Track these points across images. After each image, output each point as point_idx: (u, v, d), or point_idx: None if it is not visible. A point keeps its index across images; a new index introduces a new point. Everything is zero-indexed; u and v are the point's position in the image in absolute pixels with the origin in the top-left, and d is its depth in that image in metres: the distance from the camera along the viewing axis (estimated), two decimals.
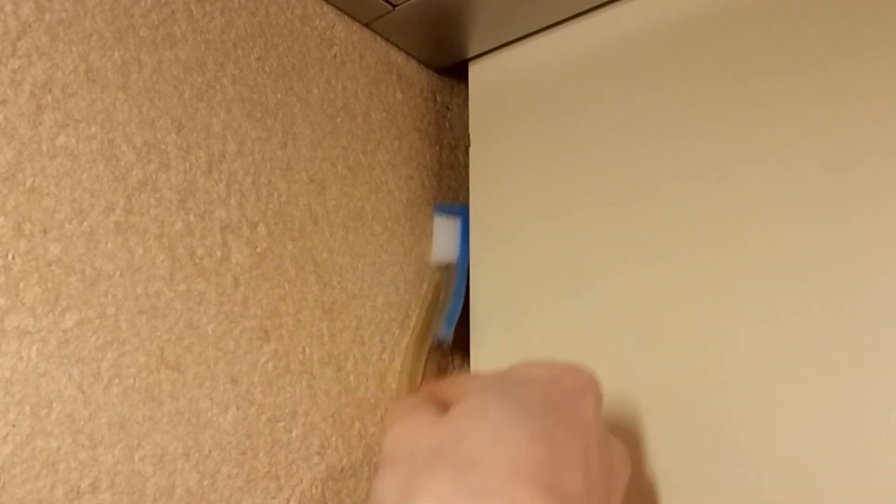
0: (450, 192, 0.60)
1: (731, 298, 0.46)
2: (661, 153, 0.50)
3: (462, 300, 0.52)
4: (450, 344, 0.53)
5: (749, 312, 0.46)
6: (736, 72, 0.48)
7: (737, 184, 0.46)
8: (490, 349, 0.54)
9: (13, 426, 0.34)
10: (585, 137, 0.52)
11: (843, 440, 0.41)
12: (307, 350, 0.47)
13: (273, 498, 0.44)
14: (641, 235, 0.50)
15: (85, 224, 0.38)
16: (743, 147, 0.47)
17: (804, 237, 0.45)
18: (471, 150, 0.56)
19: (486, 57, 0.57)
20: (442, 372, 0.56)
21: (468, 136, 0.56)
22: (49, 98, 0.37)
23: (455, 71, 0.59)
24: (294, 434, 0.46)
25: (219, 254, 0.44)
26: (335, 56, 0.52)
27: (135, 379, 0.39)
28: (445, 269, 0.54)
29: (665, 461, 0.47)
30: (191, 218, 0.42)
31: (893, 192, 0.43)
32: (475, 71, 0.57)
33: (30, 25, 0.37)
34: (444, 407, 0.43)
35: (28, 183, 0.36)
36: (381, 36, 0.55)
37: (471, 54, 0.57)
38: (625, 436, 0.48)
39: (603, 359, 0.47)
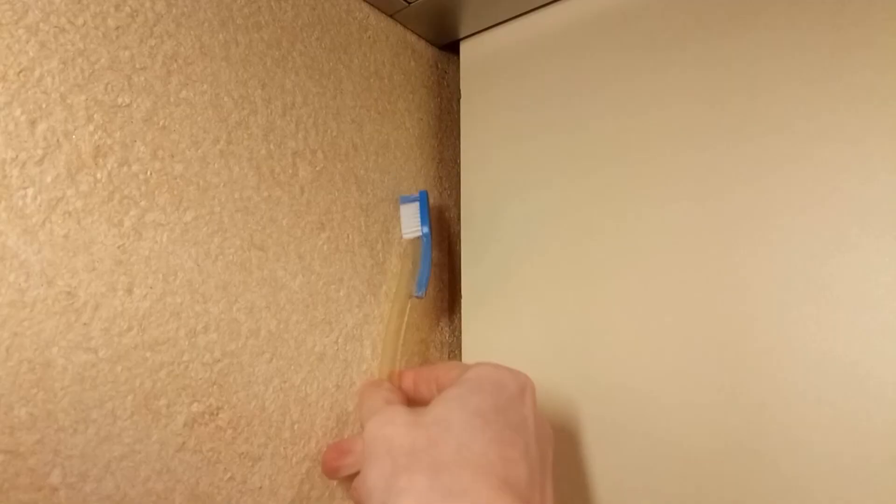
0: (444, 128, 0.59)
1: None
2: (617, 116, 0.45)
3: (430, 264, 0.49)
4: (422, 298, 0.50)
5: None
6: (712, 47, 0.41)
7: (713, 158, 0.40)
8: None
9: (151, 287, 0.35)
10: (549, 100, 0.49)
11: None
12: (350, 236, 0.48)
13: (327, 336, 0.45)
14: (613, 193, 0.44)
15: (199, 151, 0.39)
16: (725, 122, 0.40)
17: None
18: (461, 103, 0.55)
19: (472, 37, 0.56)
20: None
21: (459, 92, 0.56)
22: (175, 66, 0.38)
23: (450, 47, 0.59)
24: (341, 293, 0.46)
25: (290, 171, 0.44)
26: (369, 37, 0.52)
27: (233, 256, 0.40)
28: (412, 242, 0.51)
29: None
30: (271, 147, 0.43)
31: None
32: (465, 47, 0.56)
33: (161, 16, 0.38)
34: (411, 401, 0.42)
35: (161, 123, 0.37)
36: (400, 23, 0.55)
37: (462, 35, 0.56)
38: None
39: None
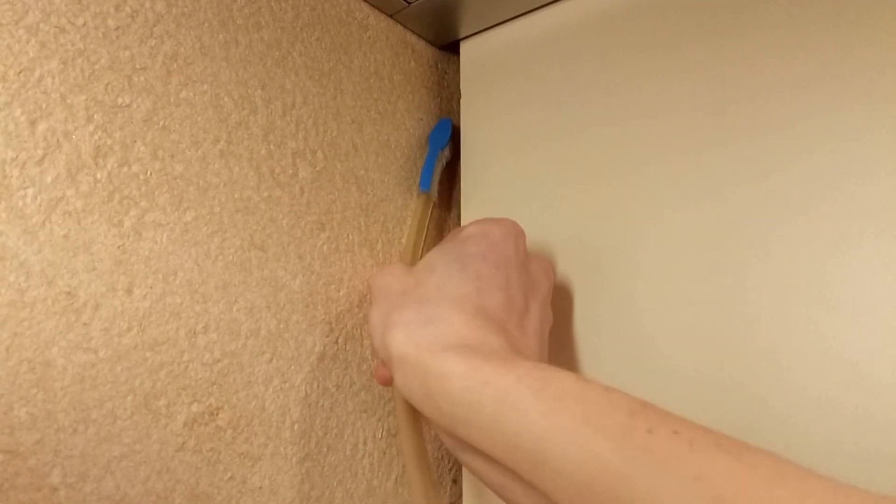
0: None
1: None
2: (617, 116, 0.45)
3: (434, 160, 0.53)
4: (435, 198, 0.52)
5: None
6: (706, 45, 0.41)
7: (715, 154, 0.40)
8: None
9: (150, 287, 0.35)
10: (550, 100, 0.49)
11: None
12: (350, 236, 0.48)
13: (327, 336, 0.45)
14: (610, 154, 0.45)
15: (199, 151, 0.39)
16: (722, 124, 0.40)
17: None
18: (462, 103, 0.55)
19: (472, 37, 0.56)
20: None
21: (459, 91, 0.56)
22: (175, 66, 0.38)
23: (450, 47, 0.59)
24: (342, 293, 0.46)
25: (290, 171, 0.44)
26: (369, 37, 0.52)
27: (233, 256, 0.40)
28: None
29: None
30: (271, 147, 0.43)
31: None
32: (465, 47, 0.56)
33: (162, 16, 0.38)
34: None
35: (161, 123, 0.37)
36: (400, 23, 0.55)
37: (461, 36, 0.56)
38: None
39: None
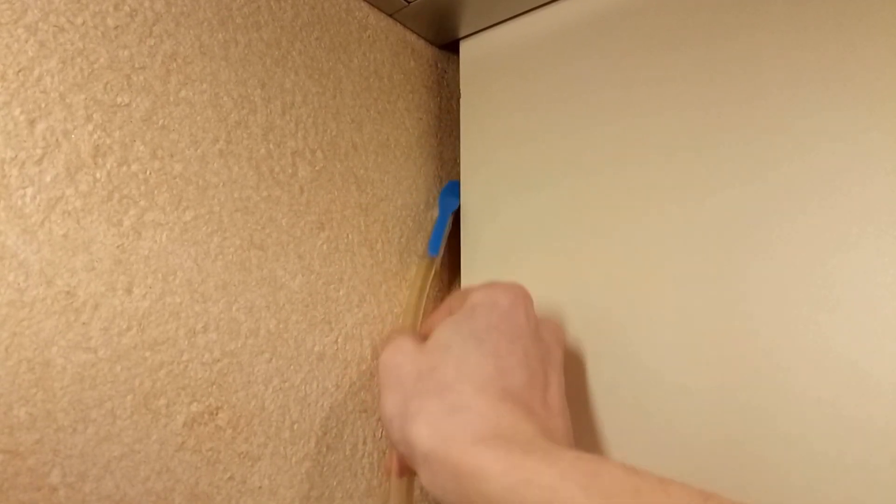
0: (444, 127, 0.59)
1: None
2: (617, 116, 0.45)
3: (444, 225, 0.52)
4: (440, 261, 0.52)
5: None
6: (707, 45, 0.41)
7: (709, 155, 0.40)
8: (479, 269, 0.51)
9: (150, 287, 0.35)
10: (549, 100, 0.49)
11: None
12: (350, 236, 0.48)
13: (327, 336, 0.45)
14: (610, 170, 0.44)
15: (198, 150, 0.39)
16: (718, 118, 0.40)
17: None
18: (461, 102, 0.55)
19: (472, 37, 0.56)
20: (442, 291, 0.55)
21: (459, 91, 0.56)
22: (174, 65, 0.38)
23: (450, 46, 0.59)
24: (341, 293, 0.46)
25: (289, 171, 0.44)
26: (369, 36, 0.52)
27: (233, 255, 0.40)
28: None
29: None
30: (270, 146, 0.43)
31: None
32: (465, 47, 0.56)
33: (161, 15, 0.38)
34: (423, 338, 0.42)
35: (160, 122, 0.37)
36: (399, 23, 0.55)
37: (461, 35, 0.56)
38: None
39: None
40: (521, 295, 0.38)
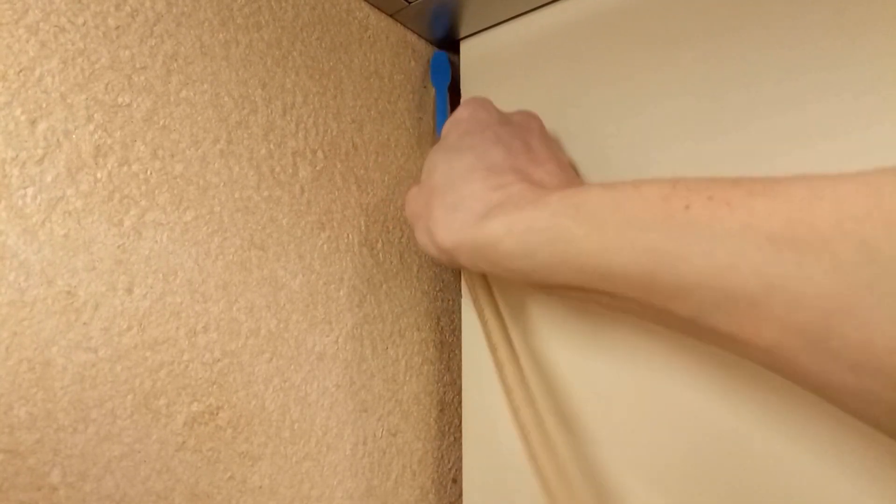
0: None
1: None
2: (617, 116, 0.45)
3: (444, 105, 0.54)
4: None
5: None
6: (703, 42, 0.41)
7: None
8: None
9: (150, 287, 0.35)
10: (549, 100, 0.49)
11: None
12: (350, 236, 0.48)
13: (327, 336, 0.45)
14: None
15: (199, 150, 0.39)
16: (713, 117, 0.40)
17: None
18: (461, 102, 0.54)
19: (472, 37, 0.56)
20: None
21: (459, 91, 0.56)
22: (175, 65, 0.38)
23: (450, 46, 0.59)
24: (342, 293, 0.46)
25: (290, 171, 0.44)
26: (369, 36, 0.52)
27: (233, 255, 0.40)
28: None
29: None
30: (271, 146, 0.43)
31: None
32: (465, 47, 0.56)
33: (162, 15, 0.38)
34: None
35: (161, 122, 0.37)
36: (400, 23, 0.55)
37: (461, 35, 0.56)
38: None
39: None
40: (476, 100, 0.42)
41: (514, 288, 0.48)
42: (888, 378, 0.21)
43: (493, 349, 0.42)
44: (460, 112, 0.42)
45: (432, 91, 0.57)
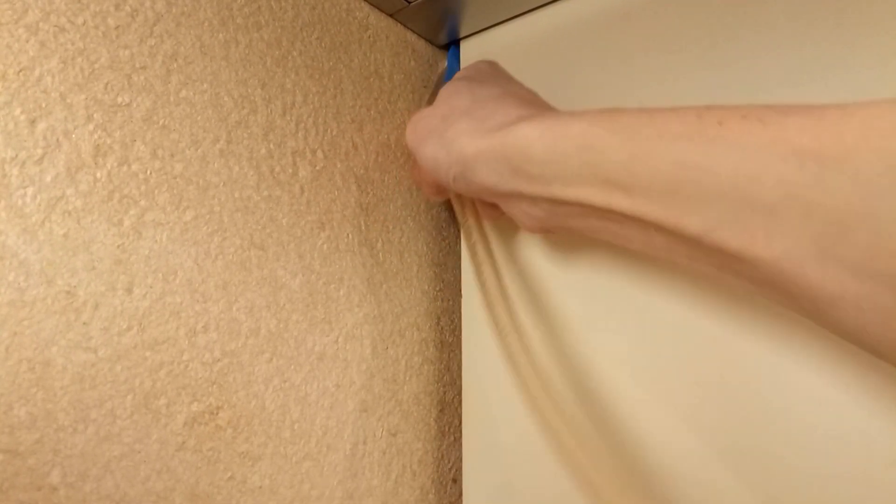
0: None
1: None
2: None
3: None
4: None
5: None
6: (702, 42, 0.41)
7: None
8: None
9: (150, 287, 0.35)
10: (549, 100, 0.46)
11: None
12: (350, 236, 0.48)
13: (327, 336, 0.45)
14: None
15: (199, 150, 0.39)
16: None
17: None
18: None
19: (472, 37, 0.56)
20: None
21: None
22: (175, 65, 0.38)
23: (451, 46, 0.58)
24: (341, 293, 0.46)
25: (290, 170, 0.44)
26: (369, 36, 0.52)
27: (233, 255, 0.40)
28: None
29: None
30: (271, 146, 0.43)
31: None
32: (465, 47, 0.56)
33: (161, 15, 0.38)
34: None
35: (161, 122, 0.37)
36: (400, 23, 0.55)
37: (461, 35, 0.56)
38: None
39: None
40: (494, 64, 0.46)
41: (511, 230, 0.48)
42: (890, 278, 0.22)
43: (486, 294, 0.43)
44: (478, 63, 0.44)
45: (430, 90, 0.57)
